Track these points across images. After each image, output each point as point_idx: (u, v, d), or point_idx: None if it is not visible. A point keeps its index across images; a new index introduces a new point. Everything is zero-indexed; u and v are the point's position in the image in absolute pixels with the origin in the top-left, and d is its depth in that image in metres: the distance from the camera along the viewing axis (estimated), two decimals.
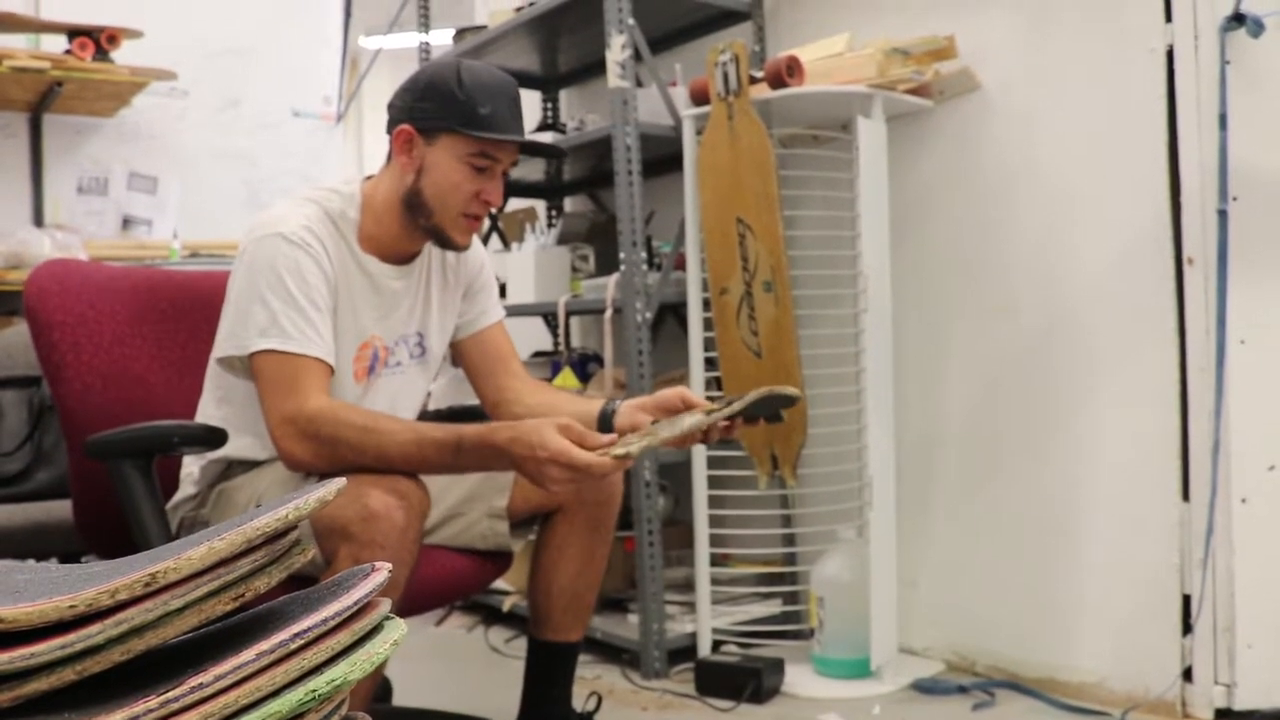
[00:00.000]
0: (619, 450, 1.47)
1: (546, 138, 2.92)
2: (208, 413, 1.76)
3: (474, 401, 2.06)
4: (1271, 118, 2.03)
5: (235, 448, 1.72)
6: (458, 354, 1.95)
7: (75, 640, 0.61)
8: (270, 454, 1.69)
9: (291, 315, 1.59)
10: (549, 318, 3.40)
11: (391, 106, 1.73)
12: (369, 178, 1.78)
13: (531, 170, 3.17)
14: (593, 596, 1.88)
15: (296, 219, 1.65)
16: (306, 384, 1.57)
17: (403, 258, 1.79)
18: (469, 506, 1.79)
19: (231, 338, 1.64)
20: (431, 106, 1.67)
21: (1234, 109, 2.02)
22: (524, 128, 1.73)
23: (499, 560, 1.84)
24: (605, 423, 1.74)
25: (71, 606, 0.60)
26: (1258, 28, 1.97)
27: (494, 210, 1.78)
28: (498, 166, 1.70)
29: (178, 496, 1.77)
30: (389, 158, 1.74)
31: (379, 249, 1.74)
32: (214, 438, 1.64)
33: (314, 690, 0.64)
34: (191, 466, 1.77)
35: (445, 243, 1.74)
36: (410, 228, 1.74)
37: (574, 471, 1.47)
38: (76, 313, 1.74)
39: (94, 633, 0.61)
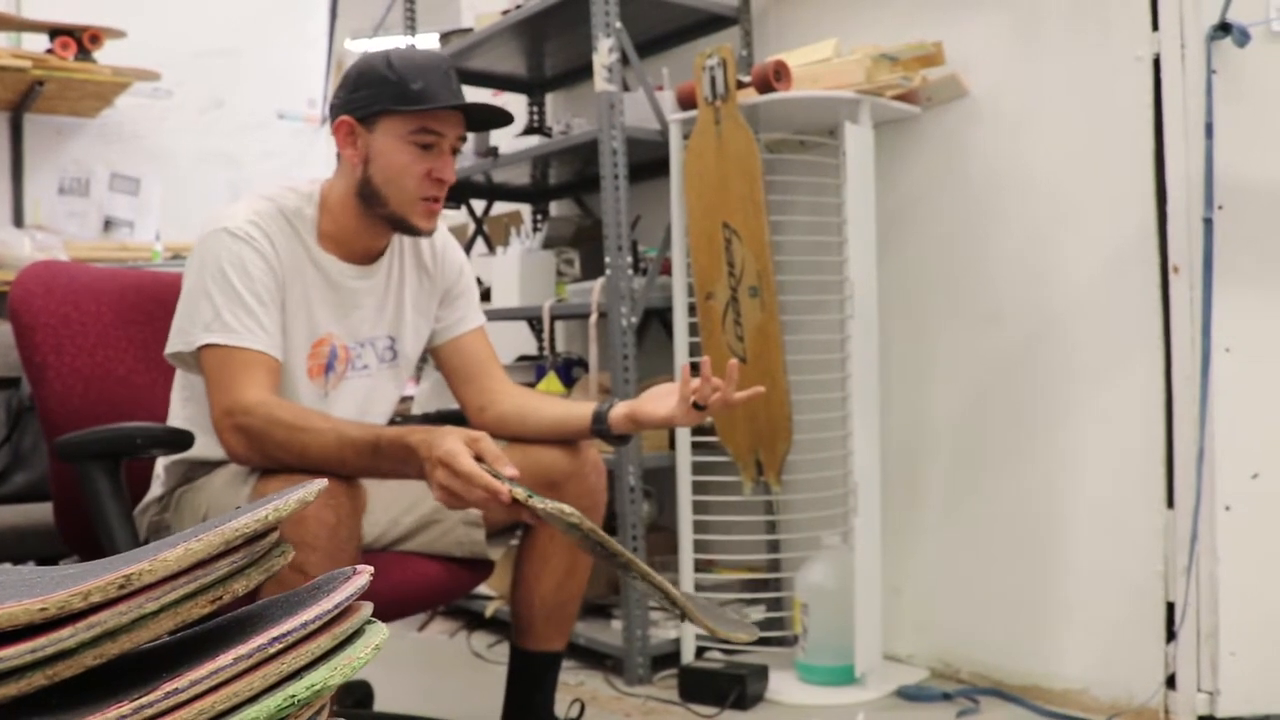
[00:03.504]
0: (520, 492, 1.40)
1: (532, 141, 2.91)
2: (175, 412, 1.75)
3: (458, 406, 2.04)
4: (1257, 126, 2.04)
5: (197, 448, 1.69)
6: (437, 360, 1.94)
7: (46, 644, 0.59)
8: (224, 453, 1.67)
9: (235, 309, 1.59)
10: (534, 322, 3.39)
11: (331, 106, 1.73)
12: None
13: (517, 174, 3.16)
14: (575, 606, 1.87)
15: (243, 214, 1.65)
16: (246, 377, 1.57)
17: (365, 256, 1.77)
18: (444, 513, 1.77)
19: (179, 334, 1.63)
20: (365, 94, 1.67)
21: (1220, 118, 2.02)
22: (462, 97, 1.71)
23: (477, 568, 1.82)
24: (600, 422, 1.73)
25: (42, 609, 0.59)
26: (1243, 37, 1.98)
27: (451, 187, 1.75)
28: (444, 141, 1.68)
29: (146, 499, 1.76)
30: (339, 156, 1.73)
31: (338, 247, 1.74)
32: (178, 440, 1.62)
33: (293, 696, 0.62)
34: (159, 468, 1.76)
35: (408, 229, 1.73)
36: (369, 221, 1.73)
37: (455, 479, 1.42)
38: (60, 314, 1.73)
39: (65, 636, 0.59)
